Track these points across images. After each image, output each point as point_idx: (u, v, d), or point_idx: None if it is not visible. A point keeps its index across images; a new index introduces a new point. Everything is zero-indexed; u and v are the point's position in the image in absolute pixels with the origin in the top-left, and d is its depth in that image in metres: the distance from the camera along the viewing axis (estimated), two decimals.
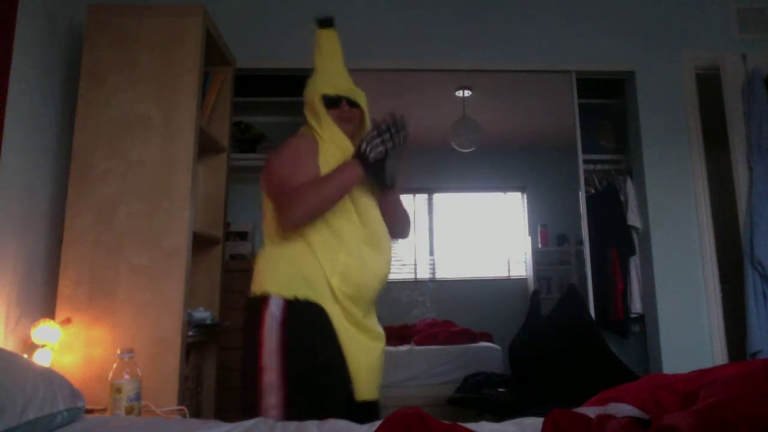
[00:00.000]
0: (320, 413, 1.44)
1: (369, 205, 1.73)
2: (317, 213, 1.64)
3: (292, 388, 1.55)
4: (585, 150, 3.28)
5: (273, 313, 1.60)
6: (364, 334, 1.69)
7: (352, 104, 1.78)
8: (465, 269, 3.66)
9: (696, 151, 3.17)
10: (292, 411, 1.51)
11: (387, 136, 1.64)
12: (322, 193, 1.61)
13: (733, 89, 3.13)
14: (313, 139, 1.75)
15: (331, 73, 1.80)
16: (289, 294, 1.61)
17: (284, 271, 1.65)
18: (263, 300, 1.62)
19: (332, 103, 1.76)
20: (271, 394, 1.54)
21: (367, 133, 1.67)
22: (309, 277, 1.62)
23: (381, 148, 1.63)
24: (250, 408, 1.56)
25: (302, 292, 1.61)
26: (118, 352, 1.72)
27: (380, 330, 1.76)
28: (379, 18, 3.20)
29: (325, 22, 1.82)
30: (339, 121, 1.76)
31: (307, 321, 1.61)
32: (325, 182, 1.63)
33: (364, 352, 1.67)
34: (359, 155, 1.63)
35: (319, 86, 1.78)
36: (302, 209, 1.60)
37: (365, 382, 1.66)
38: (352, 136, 1.79)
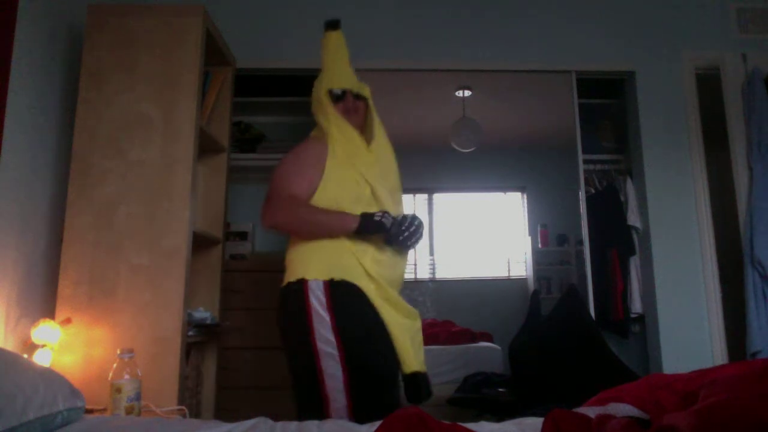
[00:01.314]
0: (381, 385, 1.64)
1: (390, 201, 1.82)
2: (292, 231, 1.80)
3: (353, 368, 1.63)
4: (585, 150, 3.28)
5: (318, 296, 1.68)
6: (399, 312, 1.77)
7: (357, 97, 1.90)
8: (465, 269, 3.66)
9: (696, 151, 3.17)
10: (355, 388, 1.62)
11: (405, 230, 1.74)
12: (307, 220, 1.74)
13: (733, 89, 3.13)
14: (322, 143, 1.84)
15: (336, 70, 1.91)
16: (327, 276, 1.70)
17: (318, 258, 1.73)
18: (302, 284, 1.70)
19: (338, 97, 1.88)
20: (333, 377, 1.63)
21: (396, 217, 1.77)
22: (342, 261, 1.72)
23: (389, 224, 1.71)
24: (309, 394, 1.65)
25: (338, 274, 1.70)
26: (118, 352, 1.72)
27: (412, 308, 1.84)
28: (379, 18, 3.20)
29: (332, 25, 1.94)
30: (345, 114, 1.86)
31: (349, 299, 1.70)
32: (318, 215, 1.74)
33: (402, 328, 1.76)
34: (368, 215, 1.72)
35: (325, 83, 1.89)
36: (282, 221, 1.75)
37: (412, 355, 1.75)
38: (359, 128, 1.89)
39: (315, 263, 1.73)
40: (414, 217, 1.78)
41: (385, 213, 1.73)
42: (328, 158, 1.80)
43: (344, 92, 1.88)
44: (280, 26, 3.14)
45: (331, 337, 1.64)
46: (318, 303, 1.68)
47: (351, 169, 1.80)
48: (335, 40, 1.93)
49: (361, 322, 1.70)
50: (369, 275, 1.73)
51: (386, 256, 1.77)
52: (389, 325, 1.73)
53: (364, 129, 1.93)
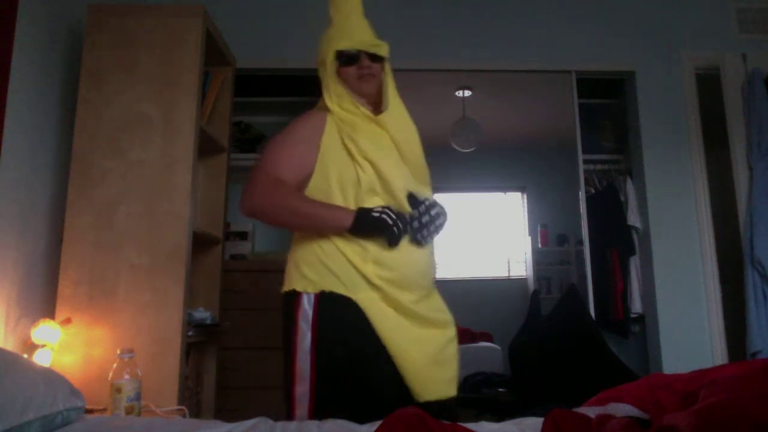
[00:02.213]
0: (358, 419, 1.29)
1: (404, 183, 1.52)
2: (272, 221, 1.54)
3: (320, 399, 1.42)
4: (585, 150, 3.28)
5: (305, 311, 1.46)
6: (415, 321, 1.47)
7: (374, 58, 1.56)
8: (465, 269, 3.66)
9: (696, 151, 3.17)
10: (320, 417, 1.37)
11: (417, 222, 1.47)
12: (289, 210, 1.47)
13: (733, 89, 3.14)
14: (321, 114, 1.57)
15: (347, 25, 1.57)
16: (317, 288, 1.46)
17: (311, 263, 1.48)
18: (294, 296, 1.49)
19: (349, 59, 1.54)
20: (301, 403, 1.43)
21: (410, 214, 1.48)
22: (336, 270, 1.46)
23: (392, 220, 1.43)
24: (288, 417, 1.46)
25: (329, 286, 1.46)
26: (118, 352, 1.72)
27: (442, 316, 1.53)
28: (379, 18, 3.18)
29: None
30: (359, 79, 1.55)
31: (337, 315, 1.45)
32: (302, 206, 1.47)
33: (418, 343, 1.45)
34: (365, 211, 1.44)
35: (334, 41, 1.55)
36: (259, 207, 1.48)
37: (425, 379, 1.44)
38: (375, 95, 1.60)
39: (308, 270, 1.48)
40: (431, 205, 1.50)
41: (386, 208, 1.44)
42: (325, 133, 1.52)
43: (359, 53, 1.54)
44: (280, 26, 3.14)
45: (308, 359, 1.43)
46: (304, 320, 1.45)
47: (350, 145, 1.49)
48: None
49: (344, 346, 1.43)
50: (370, 283, 1.44)
51: (394, 253, 1.45)
52: (391, 345, 1.43)
53: (382, 98, 1.59)
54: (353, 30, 1.57)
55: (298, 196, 1.49)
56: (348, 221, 1.42)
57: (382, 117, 1.56)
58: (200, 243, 2.36)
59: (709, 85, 3.21)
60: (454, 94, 3.49)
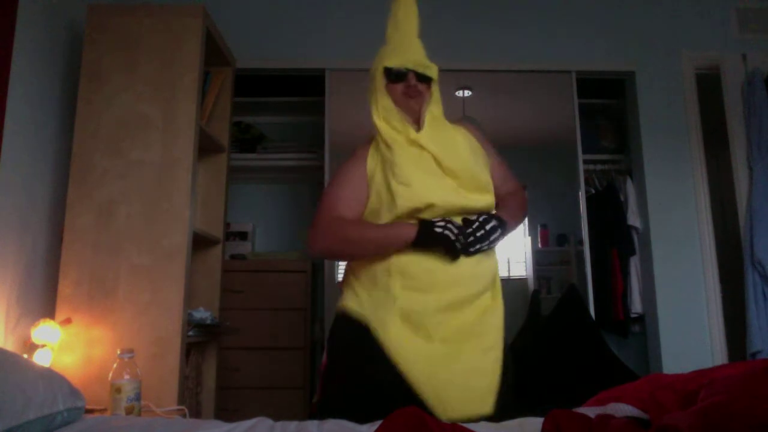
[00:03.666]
0: None
1: (441, 196, 1.54)
2: (344, 256, 1.64)
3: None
4: (585, 150, 3.28)
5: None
6: (436, 338, 1.44)
7: (422, 79, 1.61)
8: None
9: (696, 151, 3.17)
10: None
11: (470, 236, 1.48)
12: (355, 240, 1.52)
13: (733, 89, 3.13)
14: (363, 148, 1.63)
15: (400, 44, 1.63)
16: (338, 311, 1.56)
17: (345, 287, 1.59)
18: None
19: (398, 76, 1.59)
20: None
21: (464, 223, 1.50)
22: (356, 288, 1.54)
23: (453, 235, 1.44)
24: None
25: (347, 304, 1.53)
26: (118, 352, 1.72)
27: (471, 328, 1.48)
28: (378, 18, 3.19)
29: None
30: (404, 96, 1.59)
31: (345, 339, 1.50)
32: (368, 231, 1.53)
33: (431, 358, 1.42)
34: (427, 223, 1.46)
35: (385, 58, 1.61)
36: (329, 246, 1.56)
37: (448, 398, 1.40)
38: (418, 113, 1.62)
39: (343, 291, 1.60)
40: (485, 221, 1.50)
41: (448, 221, 1.46)
42: (368, 162, 1.58)
43: (407, 71, 1.58)
44: (280, 26, 3.14)
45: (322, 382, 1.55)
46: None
47: (388, 173, 1.52)
48: (405, 7, 1.63)
49: (355, 370, 1.47)
50: (394, 299, 1.45)
51: (420, 263, 1.47)
52: (407, 362, 1.41)
53: (424, 114, 1.62)
54: (406, 49, 1.61)
55: (359, 226, 1.55)
56: (411, 235, 1.45)
57: (419, 137, 1.57)
58: (200, 243, 2.36)
59: (709, 85, 3.21)
60: (454, 94, 3.49)
